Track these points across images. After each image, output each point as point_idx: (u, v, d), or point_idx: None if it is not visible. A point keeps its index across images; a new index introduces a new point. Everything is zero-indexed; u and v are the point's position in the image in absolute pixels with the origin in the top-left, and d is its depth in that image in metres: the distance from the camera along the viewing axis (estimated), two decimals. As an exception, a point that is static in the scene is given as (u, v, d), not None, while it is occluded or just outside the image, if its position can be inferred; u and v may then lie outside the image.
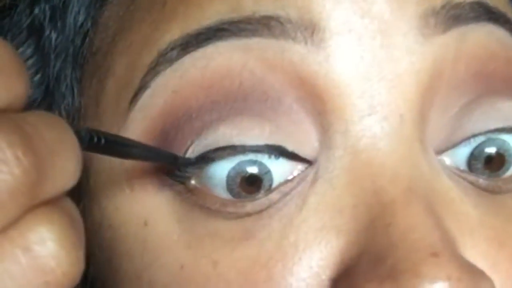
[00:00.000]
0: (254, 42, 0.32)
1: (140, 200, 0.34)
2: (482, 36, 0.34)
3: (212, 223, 0.32)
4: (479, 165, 0.34)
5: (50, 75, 0.38)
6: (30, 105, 0.38)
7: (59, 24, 0.38)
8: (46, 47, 0.38)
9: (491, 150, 0.34)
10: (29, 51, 0.39)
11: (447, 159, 0.34)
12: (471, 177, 0.34)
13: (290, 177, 0.33)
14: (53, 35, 0.38)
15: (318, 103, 0.32)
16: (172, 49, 0.33)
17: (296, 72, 0.32)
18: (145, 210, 0.34)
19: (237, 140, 0.32)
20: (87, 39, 0.37)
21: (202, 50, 0.33)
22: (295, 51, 0.32)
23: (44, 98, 0.39)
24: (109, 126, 0.35)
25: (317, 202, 0.32)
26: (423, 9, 0.33)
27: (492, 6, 0.35)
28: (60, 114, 0.37)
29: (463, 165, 0.34)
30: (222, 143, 0.32)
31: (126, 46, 0.35)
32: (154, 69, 0.33)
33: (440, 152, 0.34)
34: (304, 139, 0.32)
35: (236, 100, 0.32)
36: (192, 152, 0.33)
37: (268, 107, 0.32)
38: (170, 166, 0.33)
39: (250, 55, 0.32)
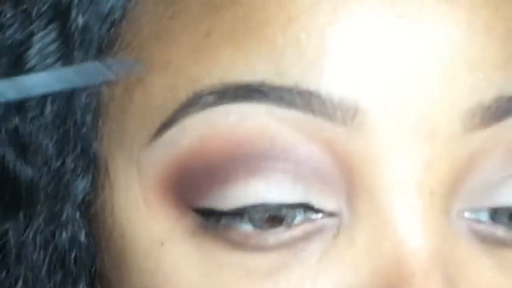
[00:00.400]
0: (291, 113, 0.32)
1: (158, 220, 0.34)
2: None
3: (234, 255, 0.33)
4: (504, 218, 0.34)
5: (72, 63, 0.36)
6: (46, 98, 0.37)
7: (87, 8, 0.36)
8: (71, 34, 0.36)
9: None
10: (51, 36, 0.37)
11: (466, 213, 0.34)
12: (490, 229, 0.34)
13: (313, 217, 0.33)
14: (80, 20, 0.36)
15: (350, 172, 0.32)
16: (209, 94, 0.32)
17: (331, 147, 0.32)
18: (162, 231, 0.34)
19: (268, 198, 0.32)
20: (115, 30, 0.36)
21: (237, 105, 0.32)
22: (333, 130, 0.31)
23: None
24: (130, 141, 0.35)
25: (336, 256, 0.32)
26: (472, 103, 0.32)
27: None
28: (79, 104, 0.36)
29: (484, 216, 0.34)
30: (253, 199, 0.32)
31: (162, 63, 0.34)
32: (186, 108, 0.33)
33: (462, 211, 0.34)
34: (332, 196, 0.32)
35: (266, 159, 0.32)
36: (217, 202, 0.32)
37: (300, 167, 0.32)
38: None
39: (285, 124, 0.32)
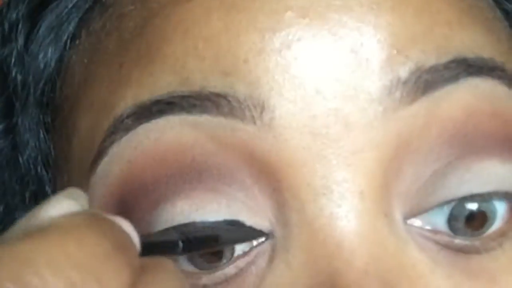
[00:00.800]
0: (204, 119, 0.31)
1: None
2: (461, 95, 0.31)
3: None
4: (460, 224, 0.32)
5: (16, 122, 0.38)
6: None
7: (25, 65, 0.38)
8: (11, 91, 0.38)
9: (472, 206, 0.32)
10: None
11: (418, 221, 0.32)
12: (446, 238, 0.32)
13: (247, 249, 0.31)
14: (19, 77, 0.38)
15: (272, 180, 0.31)
16: (127, 117, 0.32)
17: (247, 150, 0.31)
18: None
19: (196, 216, 0.31)
20: (54, 85, 0.37)
21: (155, 121, 0.32)
22: (245, 130, 0.31)
23: (13, 148, 0.38)
24: (78, 185, 0.35)
25: (274, 281, 0.31)
26: (386, 80, 0.30)
27: (472, 58, 0.32)
28: (24, 163, 0.37)
29: (442, 225, 0.32)
30: (181, 219, 0.31)
31: (88, 105, 0.35)
32: (110, 137, 0.33)
33: (411, 217, 0.32)
34: (261, 214, 0.31)
35: (190, 175, 0.31)
36: (149, 226, 0.32)
37: (223, 182, 0.31)
38: None
39: (201, 131, 0.31)
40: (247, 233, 0.31)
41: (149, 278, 0.24)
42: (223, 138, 0.31)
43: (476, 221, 0.32)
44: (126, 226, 0.25)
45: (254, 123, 0.31)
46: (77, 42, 0.37)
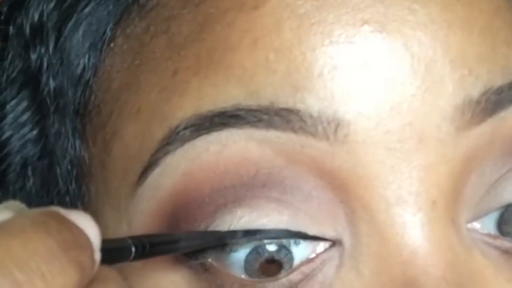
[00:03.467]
0: (272, 135, 0.30)
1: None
2: None
3: None
4: (510, 228, 0.33)
5: (48, 129, 0.36)
6: (27, 163, 0.36)
7: (57, 71, 0.35)
8: (44, 99, 0.36)
9: None
10: (24, 104, 0.36)
11: (477, 224, 0.32)
12: (498, 241, 0.32)
13: (312, 256, 0.31)
14: (51, 84, 0.35)
15: (340, 192, 0.31)
16: (185, 128, 0.31)
17: (317, 165, 0.30)
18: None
19: (257, 225, 0.31)
20: (88, 89, 0.35)
21: (216, 134, 0.31)
22: (316, 146, 0.30)
23: (42, 155, 0.36)
24: (116, 195, 0.34)
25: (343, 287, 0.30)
26: (459, 100, 0.31)
27: None
28: (61, 173, 0.35)
29: (492, 229, 0.32)
30: (239, 228, 0.31)
31: (134, 111, 0.33)
32: (164, 147, 0.31)
33: (471, 221, 0.32)
34: (326, 223, 0.31)
35: (252, 186, 0.31)
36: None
37: (286, 193, 0.31)
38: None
39: (267, 146, 0.30)
40: (212, 237, 0.31)
41: None
42: (291, 154, 0.30)
43: None
44: (83, 221, 0.25)
45: (327, 139, 0.30)
46: (112, 45, 0.35)
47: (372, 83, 0.30)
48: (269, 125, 0.30)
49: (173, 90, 0.32)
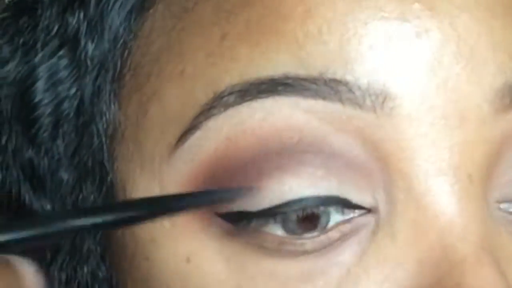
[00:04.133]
0: (319, 104, 0.31)
1: (183, 236, 0.33)
2: None
3: (267, 263, 0.31)
4: None
5: (85, 90, 0.36)
6: (61, 121, 0.36)
7: (96, 34, 0.35)
8: (82, 59, 0.36)
9: None
10: (63, 62, 0.36)
11: (506, 205, 0.33)
12: None
13: (348, 217, 0.32)
14: (90, 47, 0.35)
15: (382, 163, 0.31)
16: (230, 93, 0.31)
17: (362, 135, 0.31)
18: (188, 247, 0.33)
19: (302, 192, 0.31)
20: (126, 52, 0.35)
21: (261, 101, 0.31)
22: (363, 118, 0.31)
23: (77, 114, 0.36)
24: (150, 156, 0.34)
25: (377, 253, 0.31)
26: (500, 83, 0.32)
27: None
28: (98, 133, 0.35)
29: None
30: (285, 195, 0.31)
31: (176, 73, 0.33)
32: (208, 111, 0.32)
33: (500, 200, 0.33)
34: (368, 190, 0.32)
35: (295, 152, 0.31)
36: (248, 203, 0.31)
37: (330, 160, 0.31)
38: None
39: (313, 116, 0.31)
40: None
41: None
42: (337, 124, 0.31)
43: None
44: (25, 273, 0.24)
45: (374, 111, 0.31)
46: (151, 10, 0.35)
47: (420, 60, 0.31)
48: (317, 94, 0.31)
49: (221, 55, 0.32)
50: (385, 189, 0.32)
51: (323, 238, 0.31)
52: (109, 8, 0.35)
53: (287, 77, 0.31)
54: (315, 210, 0.31)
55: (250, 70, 0.31)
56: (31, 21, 0.37)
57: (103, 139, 0.35)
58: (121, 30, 0.35)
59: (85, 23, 0.36)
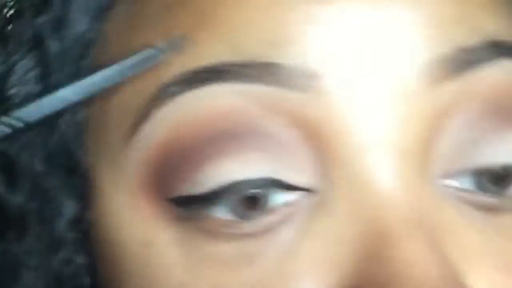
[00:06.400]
0: (255, 88, 0.32)
1: (141, 221, 0.34)
2: (497, 74, 0.34)
3: (210, 245, 0.33)
4: (488, 184, 0.34)
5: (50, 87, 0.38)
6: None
7: (60, 34, 0.38)
8: (47, 59, 0.38)
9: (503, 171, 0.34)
10: (31, 63, 0.38)
11: (453, 181, 0.34)
12: (477, 198, 0.34)
13: (290, 199, 0.33)
14: (53, 46, 0.38)
15: (318, 142, 0.32)
16: (174, 84, 0.33)
17: (296, 115, 0.32)
18: (146, 231, 0.34)
19: (240, 175, 0.32)
20: (88, 53, 0.37)
21: (204, 88, 0.33)
22: (295, 98, 0.32)
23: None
24: (111, 149, 0.36)
25: (317, 231, 0.32)
26: (431, 56, 0.33)
27: (506, 41, 0.34)
28: (67, 129, 0.37)
29: (470, 184, 0.34)
30: (225, 178, 0.32)
31: None
32: (155, 101, 0.34)
33: (446, 176, 0.34)
34: (304, 171, 0.33)
35: (236, 136, 0.32)
36: (193, 186, 0.33)
37: (268, 143, 0.32)
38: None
39: (251, 99, 0.32)
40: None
41: None
42: (273, 106, 0.32)
43: (503, 179, 0.34)
44: None
45: (305, 91, 0.32)
46: (112, 9, 0.37)
47: (344, 38, 0.32)
48: (253, 79, 0.32)
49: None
50: (323, 168, 0.32)
51: (263, 220, 0.32)
52: (72, 7, 0.37)
53: (223, 64, 0.33)
54: (256, 192, 0.32)
55: (191, 61, 0.33)
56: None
57: (70, 129, 0.37)
58: (84, 29, 0.37)
59: (50, 24, 0.38)
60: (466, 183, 0.34)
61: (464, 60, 0.33)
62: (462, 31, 0.33)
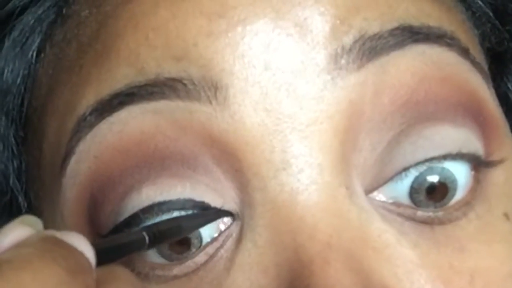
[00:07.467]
0: (163, 105, 0.32)
1: None
2: (409, 61, 0.32)
3: (145, 287, 0.32)
4: (421, 197, 0.32)
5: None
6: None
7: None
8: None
9: (433, 178, 0.32)
10: None
11: (380, 195, 0.32)
12: (409, 211, 0.32)
13: (216, 235, 0.32)
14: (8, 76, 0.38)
15: (233, 161, 0.31)
16: (90, 114, 0.33)
17: (206, 131, 0.32)
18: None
19: (160, 199, 0.32)
20: (22, 99, 0.38)
21: (117, 114, 0.33)
22: (202, 111, 0.32)
23: None
24: (49, 190, 0.36)
25: (243, 262, 0.31)
26: (332, 50, 0.31)
27: (417, 26, 0.33)
28: (4, 176, 0.38)
29: (405, 199, 0.32)
30: (146, 203, 0.32)
31: (54, 110, 0.36)
32: (76, 135, 0.34)
33: (372, 190, 0.32)
34: (226, 196, 0.32)
35: (154, 163, 0.32)
36: (118, 216, 0.32)
37: (186, 167, 0.32)
38: None
39: (161, 117, 0.32)
40: (210, 215, 0.32)
41: None
42: (182, 121, 0.32)
43: (438, 193, 0.32)
44: (79, 242, 0.25)
45: (210, 103, 0.31)
46: (42, 55, 0.38)
47: (244, 47, 0.32)
48: (159, 96, 0.32)
49: (79, 83, 0.34)
50: (243, 190, 0.32)
51: (189, 263, 0.32)
52: (4, 56, 0.38)
53: (130, 87, 0.33)
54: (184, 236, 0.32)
55: (101, 89, 0.33)
56: None
57: (10, 182, 0.38)
58: (15, 78, 0.38)
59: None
60: (399, 197, 0.32)
61: (370, 49, 0.32)
62: (366, 18, 0.32)
